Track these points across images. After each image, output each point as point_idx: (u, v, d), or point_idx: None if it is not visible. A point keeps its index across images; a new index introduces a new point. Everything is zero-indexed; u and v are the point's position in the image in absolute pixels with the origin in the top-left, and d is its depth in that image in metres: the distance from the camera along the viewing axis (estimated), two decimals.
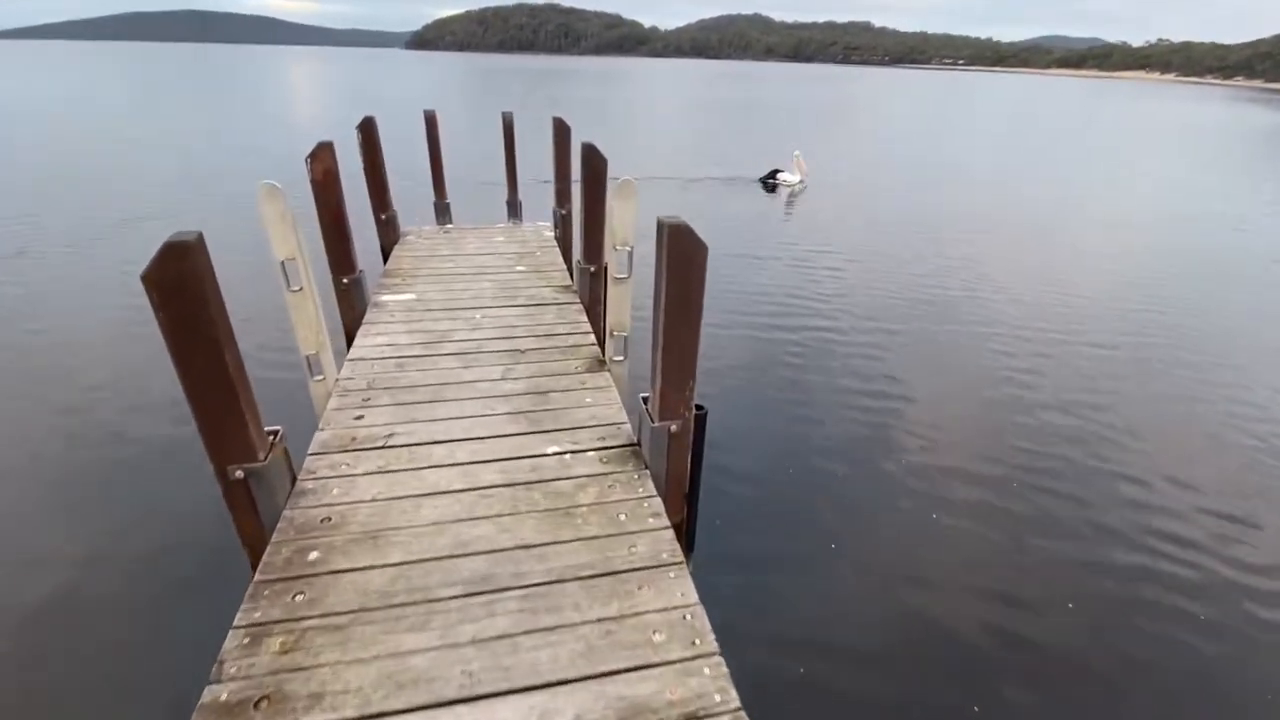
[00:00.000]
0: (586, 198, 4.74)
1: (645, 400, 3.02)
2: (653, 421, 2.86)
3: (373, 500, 2.71)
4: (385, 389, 3.63)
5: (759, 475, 4.88)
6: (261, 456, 2.46)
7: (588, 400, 3.57)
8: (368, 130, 5.97)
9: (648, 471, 2.96)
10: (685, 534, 3.16)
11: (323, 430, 3.21)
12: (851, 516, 4.52)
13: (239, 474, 2.41)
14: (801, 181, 15.96)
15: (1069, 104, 59.88)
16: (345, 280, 4.58)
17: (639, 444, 3.13)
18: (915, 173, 19.29)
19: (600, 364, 4.01)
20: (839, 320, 7.75)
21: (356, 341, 4.27)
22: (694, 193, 15.02)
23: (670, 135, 26.99)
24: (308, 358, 3.51)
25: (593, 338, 4.44)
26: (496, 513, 2.66)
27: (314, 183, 4.20)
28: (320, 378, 3.58)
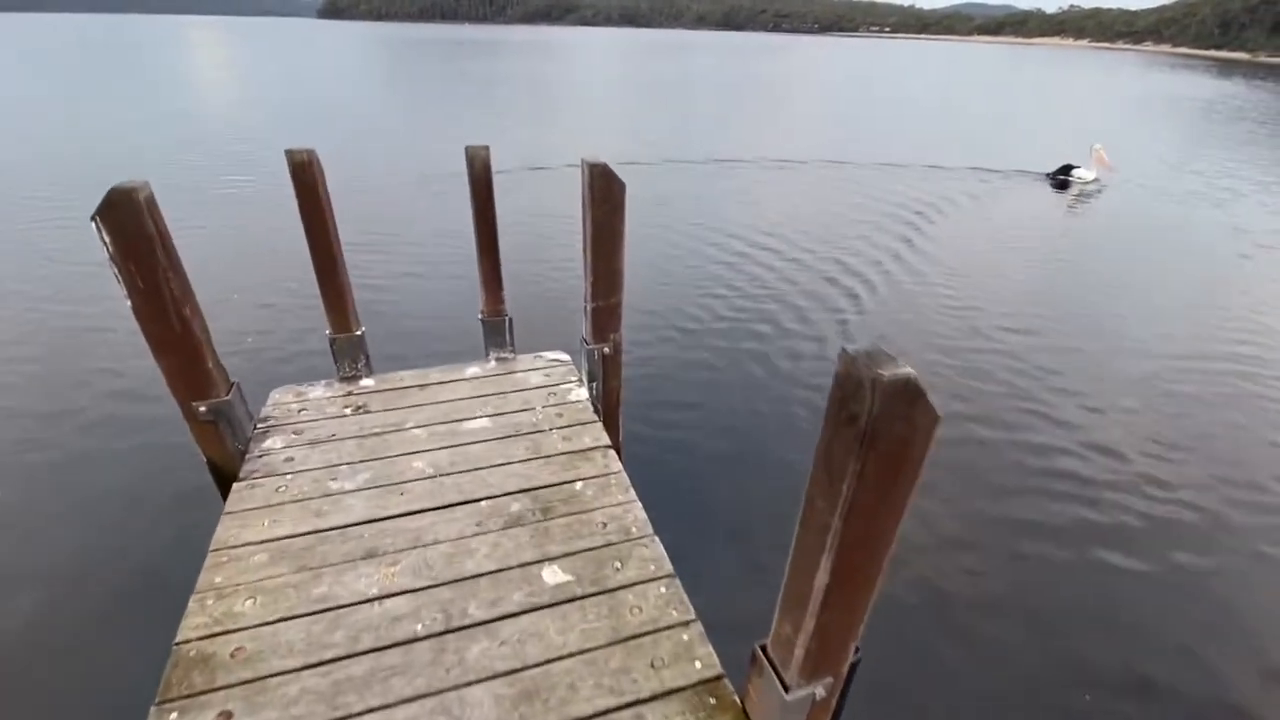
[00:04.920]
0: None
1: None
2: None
3: None
4: None
5: None
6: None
7: None
8: (121, 222, 2.30)
9: None
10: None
11: None
12: None
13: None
14: (1097, 179, 13.63)
15: (1068, 74, 56.05)
16: None
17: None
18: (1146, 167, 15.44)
19: None
20: None
21: None
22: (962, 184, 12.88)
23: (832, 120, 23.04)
24: None
25: None
26: None
27: None
28: None
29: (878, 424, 1.24)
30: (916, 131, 20.66)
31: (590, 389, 3.51)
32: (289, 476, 2.78)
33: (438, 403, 3.37)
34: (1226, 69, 71.59)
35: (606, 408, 3.57)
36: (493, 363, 3.78)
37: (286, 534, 2.46)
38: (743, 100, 28.89)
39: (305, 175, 3.06)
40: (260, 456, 2.91)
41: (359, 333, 3.50)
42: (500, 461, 2.91)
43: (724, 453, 4.58)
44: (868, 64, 64.83)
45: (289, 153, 3.00)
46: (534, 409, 3.34)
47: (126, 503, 3.95)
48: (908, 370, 1.20)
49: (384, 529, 2.50)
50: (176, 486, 3.94)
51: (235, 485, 2.74)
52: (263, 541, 2.42)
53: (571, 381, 3.62)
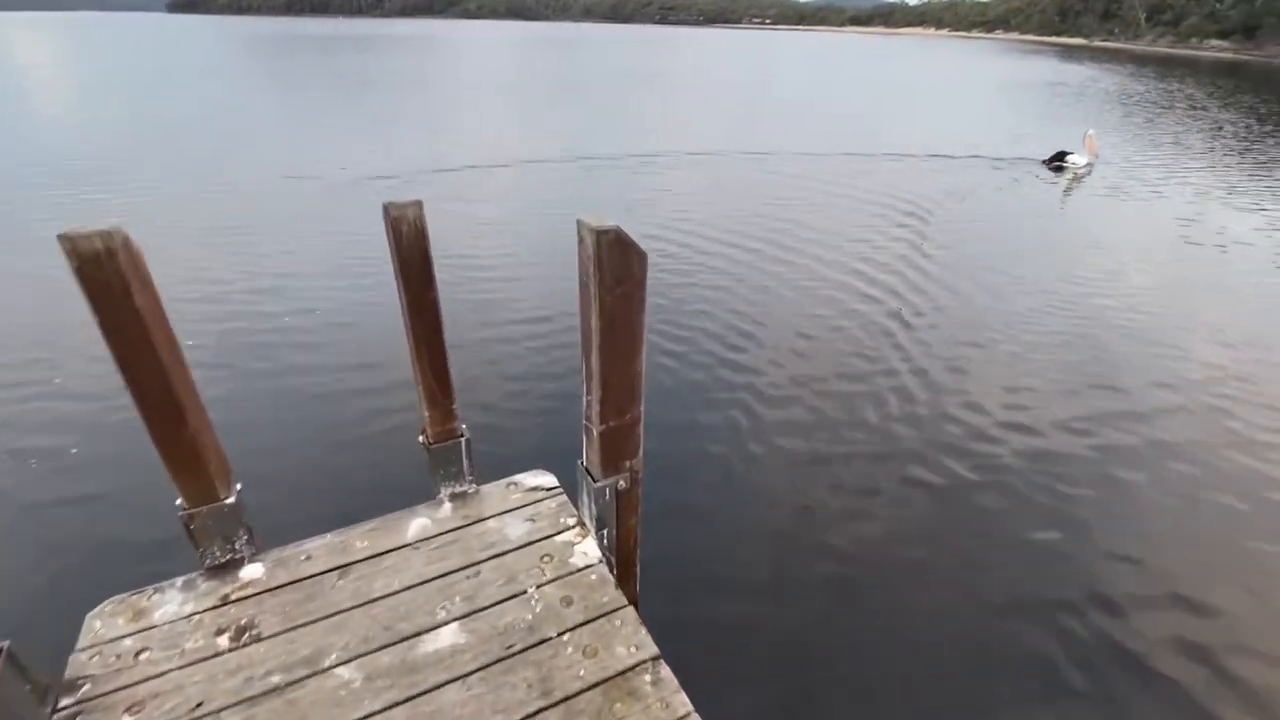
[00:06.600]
0: None
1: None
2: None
3: None
4: None
5: None
6: None
7: None
8: None
9: None
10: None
11: None
12: None
13: None
14: (1089, 164, 14.12)
15: (985, 64, 56.90)
16: None
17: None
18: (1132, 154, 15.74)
19: None
20: None
21: None
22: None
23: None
24: None
25: None
26: None
27: None
28: None
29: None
30: (893, 121, 20.62)
31: (600, 539, 2.44)
32: None
33: (371, 600, 2.18)
34: (1072, 54, 78.38)
35: (620, 555, 2.52)
36: (447, 506, 2.61)
37: None
38: (651, 93, 28.08)
39: (102, 272, 1.78)
40: None
41: (230, 499, 2.23)
42: None
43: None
44: (770, 54, 65.87)
45: (67, 240, 1.71)
46: (526, 592, 2.23)
47: None
48: None
49: None
50: None
51: None
52: None
53: (569, 526, 2.53)
